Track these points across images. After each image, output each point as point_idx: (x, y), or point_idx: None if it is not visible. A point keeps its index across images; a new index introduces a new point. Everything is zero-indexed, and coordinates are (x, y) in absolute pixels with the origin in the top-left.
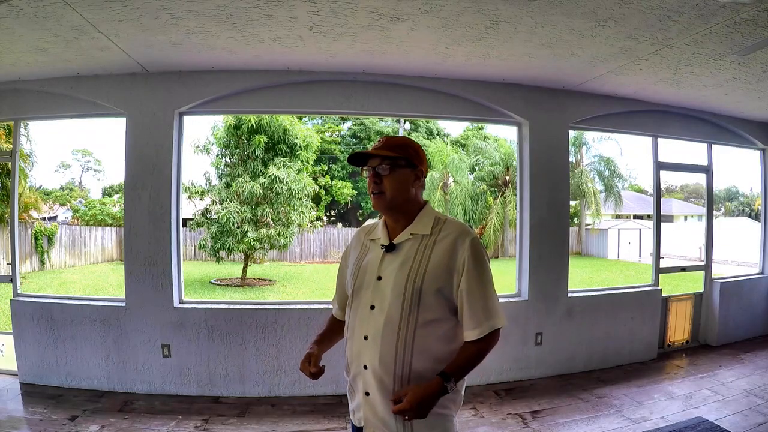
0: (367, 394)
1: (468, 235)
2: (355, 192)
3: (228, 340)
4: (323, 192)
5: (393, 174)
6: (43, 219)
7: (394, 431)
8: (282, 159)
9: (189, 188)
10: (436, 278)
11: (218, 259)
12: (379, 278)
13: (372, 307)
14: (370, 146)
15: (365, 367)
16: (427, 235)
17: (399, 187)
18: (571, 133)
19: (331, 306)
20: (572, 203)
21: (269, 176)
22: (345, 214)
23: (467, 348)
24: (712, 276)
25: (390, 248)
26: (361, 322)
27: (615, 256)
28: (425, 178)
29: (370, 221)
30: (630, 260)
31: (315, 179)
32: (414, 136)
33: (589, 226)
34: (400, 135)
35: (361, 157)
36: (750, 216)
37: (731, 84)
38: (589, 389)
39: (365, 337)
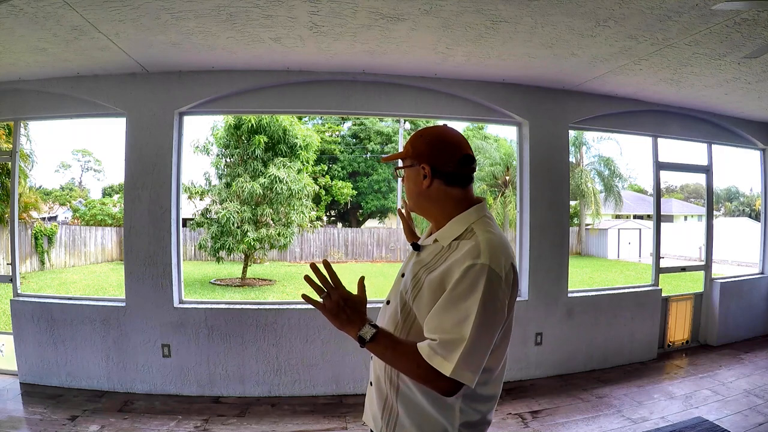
0: (370, 384)
1: (471, 259)
2: (355, 192)
3: (228, 340)
4: (323, 192)
5: (404, 176)
6: (43, 219)
7: (379, 429)
8: (282, 159)
9: (189, 188)
10: (426, 297)
11: (218, 259)
12: (402, 275)
13: (388, 302)
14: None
15: (371, 358)
16: (445, 247)
17: (409, 190)
18: (571, 133)
19: None
20: (572, 203)
21: (269, 176)
22: (345, 214)
23: (414, 350)
24: (712, 276)
25: (415, 247)
26: (380, 312)
27: (615, 256)
28: (448, 171)
29: (370, 222)
30: (630, 260)
31: (315, 179)
32: None
33: (589, 226)
34: (426, 127)
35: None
36: (750, 216)
37: (731, 84)
38: (589, 389)
39: None
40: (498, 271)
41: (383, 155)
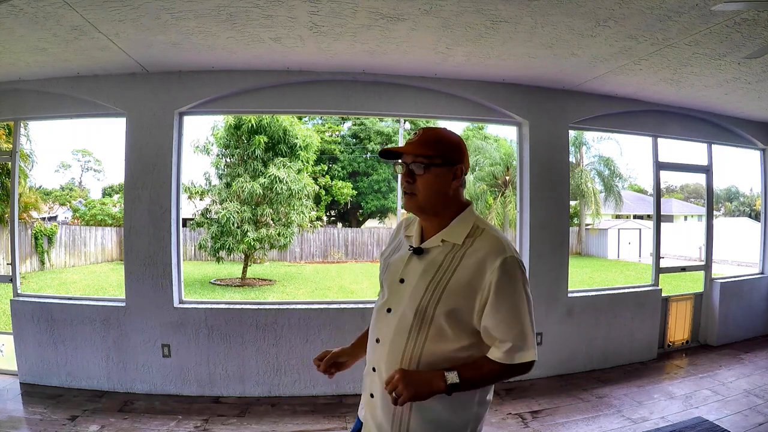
0: (371, 396)
1: (500, 255)
2: (355, 192)
3: (228, 340)
4: (323, 192)
5: (427, 174)
6: (43, 219)
7: None
8: (282, 159)
9: (189, 188)
10: (454, 296)
11: (218, 259)
12: (402, 281)
13: (389, 311)
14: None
15: (374, 369)
16: (458, 245)
17: (433, 188)
18: (571, 133)
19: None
20: (572, 203)
21: (269, 176)
22: (345, 214)
23: (489, 362)
24: (712, 276)
25: (418, 251)
26: (377, 323)
27: (615, 256)
28: (465, 175)
29: (370, 221)
30: (630, 260)
31: (315, 179)
32: None
33: (589, 226)
34: (437, 126)
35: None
36: (750, 216)
37: (731, 84)
38: (589, 389)
39: (377, 340)
40: (520, 259)
41: (390, 147)
